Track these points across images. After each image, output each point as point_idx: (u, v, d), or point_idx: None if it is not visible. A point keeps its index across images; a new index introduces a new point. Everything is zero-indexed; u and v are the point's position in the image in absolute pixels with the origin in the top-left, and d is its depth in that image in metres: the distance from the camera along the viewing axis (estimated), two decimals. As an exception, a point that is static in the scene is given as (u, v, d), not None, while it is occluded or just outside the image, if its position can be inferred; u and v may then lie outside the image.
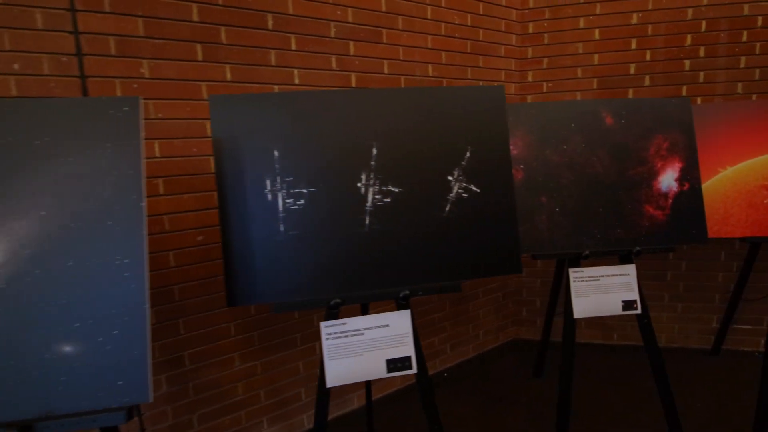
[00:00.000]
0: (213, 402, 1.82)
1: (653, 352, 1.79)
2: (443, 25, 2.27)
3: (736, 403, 2.15)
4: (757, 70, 2.44)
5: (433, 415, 1.42)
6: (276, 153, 1.31)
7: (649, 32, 2.47)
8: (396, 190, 1.37)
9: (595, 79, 2.56)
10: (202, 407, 1.80)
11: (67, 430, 0.80)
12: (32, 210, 0.87)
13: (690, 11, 2.42)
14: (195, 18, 1.63)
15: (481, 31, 2.42)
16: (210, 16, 1.66)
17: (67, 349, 0.85)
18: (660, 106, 1.88)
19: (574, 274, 1.76)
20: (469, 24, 2.37)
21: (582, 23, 2.53)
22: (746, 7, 2.38)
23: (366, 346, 1.34)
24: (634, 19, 2.48)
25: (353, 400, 2.24)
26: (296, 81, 1.88)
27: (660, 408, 2.13)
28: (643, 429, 2.00)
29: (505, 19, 2.52)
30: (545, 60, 2.59)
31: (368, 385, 1.71)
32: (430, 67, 2.26)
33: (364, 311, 1.53)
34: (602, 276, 1.77)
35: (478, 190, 1.42)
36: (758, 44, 2.41)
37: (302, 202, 1.32)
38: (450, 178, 1.40)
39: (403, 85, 2.18)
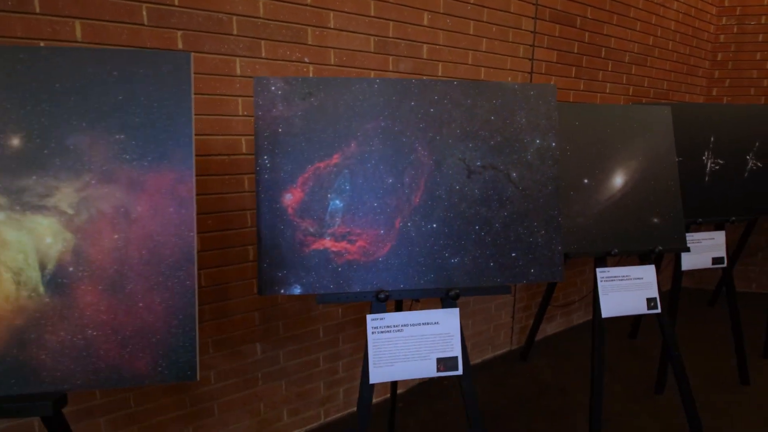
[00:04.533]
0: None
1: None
2: (675, 53, 3.29)
3: None
4: None
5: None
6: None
7: (808, 65, 3.48)
8: (721, 161, 2.41)
9: (763, 98, 3.56)
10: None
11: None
12: (625, 162, 1.92)
13: (839, 52, 3.42)
14: (575, 50, 2.66)
15: (692, 58, 3.43)
16: (582, 49, 2.68)
17: (655, 220, 1.91)
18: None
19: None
20: (687, 53, 3.38)
21: (758, 56, 3.53)
22: None
23: (698, 254, 2.39)
24: (799, 55, 3.48)
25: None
26: (605, 90, 2.91)
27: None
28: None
29: (704, 49, 3.52)
30: (728, 80, 3.60)
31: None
32: (665, 83, 3.28)
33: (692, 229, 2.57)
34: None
35: (761, 165, 2.45)
36: None
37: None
38: (747, 157, 2.44)
39: (653, 93, 3.21)
